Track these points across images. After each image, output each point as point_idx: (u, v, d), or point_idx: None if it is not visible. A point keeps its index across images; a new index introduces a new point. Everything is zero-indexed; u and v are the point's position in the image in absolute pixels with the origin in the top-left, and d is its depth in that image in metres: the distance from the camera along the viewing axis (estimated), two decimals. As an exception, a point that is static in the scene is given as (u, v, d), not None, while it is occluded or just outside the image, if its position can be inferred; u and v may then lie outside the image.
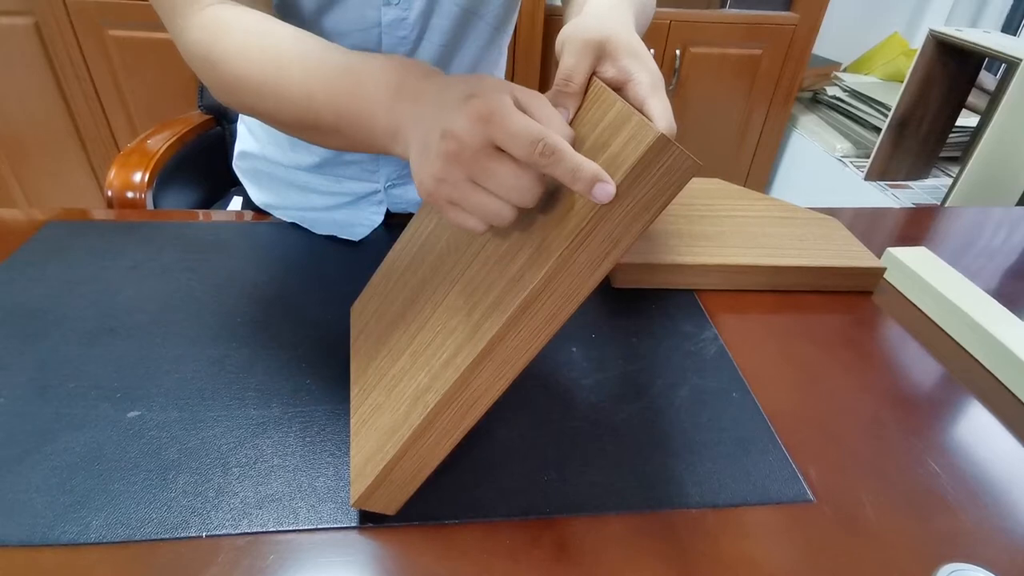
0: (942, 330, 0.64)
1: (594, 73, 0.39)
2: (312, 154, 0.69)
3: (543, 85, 1.65)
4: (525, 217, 0.38)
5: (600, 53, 0.38)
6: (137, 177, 0.84)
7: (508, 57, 1.00)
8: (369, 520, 0.41)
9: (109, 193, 0.84)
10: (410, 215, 0.61)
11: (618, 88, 0.38)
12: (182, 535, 0.40)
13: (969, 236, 0.83)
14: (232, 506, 0.42)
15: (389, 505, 0.41)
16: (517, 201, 0.33)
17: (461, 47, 0.62)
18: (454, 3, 0.57)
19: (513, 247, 0.38)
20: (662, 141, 0.31)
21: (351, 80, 0.39)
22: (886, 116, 1.57)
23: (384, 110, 0.37)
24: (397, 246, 0.58)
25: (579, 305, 0.36)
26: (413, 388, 0.40)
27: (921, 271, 0.67)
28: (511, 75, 1.61)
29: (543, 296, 0.35)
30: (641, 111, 0.35)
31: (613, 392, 0.53)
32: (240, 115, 0.60)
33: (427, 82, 0.36)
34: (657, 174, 0.32)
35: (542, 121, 0.33)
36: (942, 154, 1.65)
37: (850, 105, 1.83)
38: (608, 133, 0.34)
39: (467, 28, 0.61)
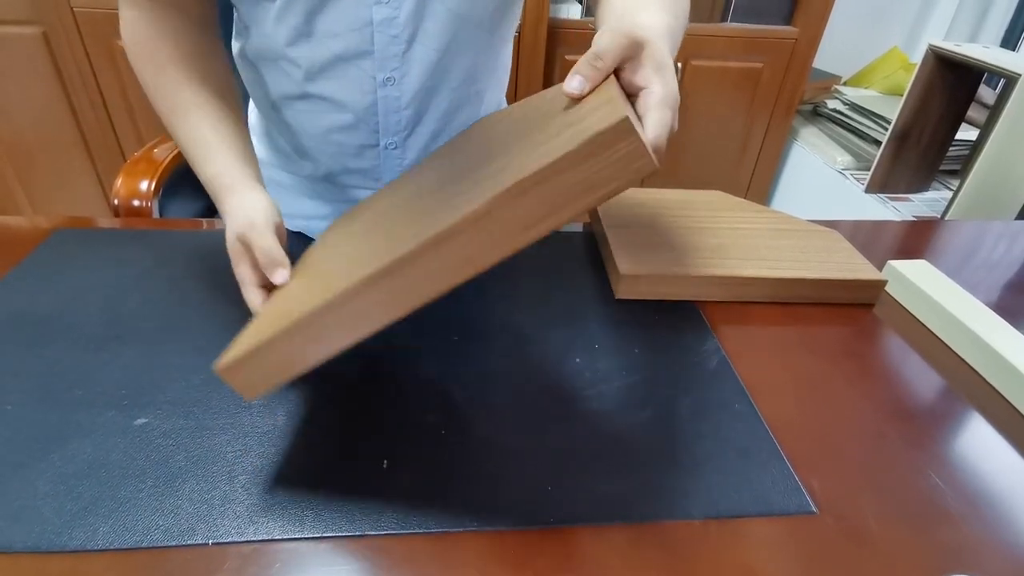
0: (943, 343, 0.64)
1: (617, 71, 0.39)
2: (316, 163, 0.70)
3: (546, 97, 1.66)
4: (483, 167, 0.39)
5: (634, 52, 0.38)
6: (144, 186, 0.85)
7: (511, 69, 1.01)
8: (372, 529, 0.42)
9: (115, 202, 0.84)
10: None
11: (632, 94, 0.38)
12: (189, 542, 0.40)
13: (969, 249, 0.84)
14: (238, 513, 0.42)
15: (250, 388, 0.41)
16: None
17: (458, 53, 0.62)
18: (444, 6, 0.58)
19: (464, 187, 0.39)
20: (625, 124, 0.31)
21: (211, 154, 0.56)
22: (886, 129, 1.58)
23: (210, 186, 0.56)
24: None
25: (498, 260, 0.35)
26: (321, 285, 0.41)
27: (922, 284, 0.67)
28: (514, 87, 1.62)
29: (464, 235, 0.34)
30: (642, 122, 0.35)
31: (616, 403, 0.53)
32: (247, 125, 0.64)
33: (226, 205, 0.53)
34: (612, 157, 0.32)
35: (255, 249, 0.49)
36: (942, 167, 1.66)
37: (850, 118, 1.84)
38: (588, 113, 0.35)
39: (460, 33, 0.61)
